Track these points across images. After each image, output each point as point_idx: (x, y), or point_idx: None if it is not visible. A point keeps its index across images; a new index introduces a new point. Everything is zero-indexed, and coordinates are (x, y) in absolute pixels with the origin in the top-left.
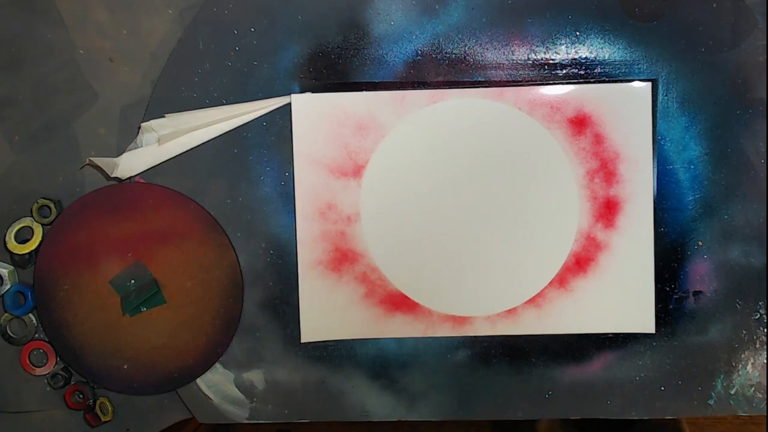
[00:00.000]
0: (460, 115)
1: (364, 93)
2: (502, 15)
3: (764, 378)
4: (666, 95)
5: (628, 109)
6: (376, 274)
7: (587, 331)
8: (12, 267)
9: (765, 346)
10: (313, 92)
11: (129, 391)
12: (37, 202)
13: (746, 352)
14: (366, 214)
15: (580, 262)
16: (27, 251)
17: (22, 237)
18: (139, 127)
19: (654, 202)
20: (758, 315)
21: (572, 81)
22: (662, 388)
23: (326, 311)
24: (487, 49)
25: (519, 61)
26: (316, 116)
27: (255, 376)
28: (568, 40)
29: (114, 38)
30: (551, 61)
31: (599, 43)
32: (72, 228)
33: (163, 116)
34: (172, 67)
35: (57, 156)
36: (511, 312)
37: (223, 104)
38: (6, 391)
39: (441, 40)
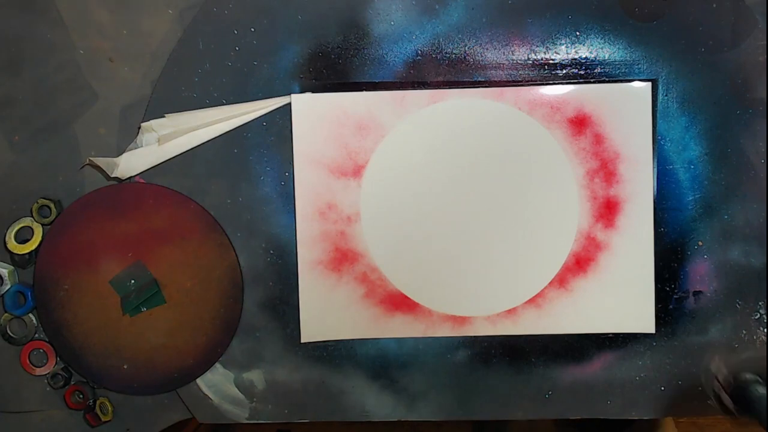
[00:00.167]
0: (460, 115)
1: (364, 93)
2: (502, 15)
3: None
4: (666, 95)
5: (628, 109)
6: (376, 274)
7: (587, 331)
8: (12, 267)
9: (765, 346)
10: (313, 92)
11: (129, 391)
12: (37, 202)
13: (746, 352)
14: (366, 214)
15: (580, 262)
16: (27, 251)
17: (22, 237)
18: (139, 127)
19: (654, 202)
20: (758, 315)
21: (572, 81)
22: (662, 388)
23: (326, 311)
24: (487, 49)
25: (519, 61)
26: (316, 116)
27: (255, 376)
28: (568, 40)
29: (114, 38)
30: (551, 61)
31: (599, 43)
32: (72, 228)
33: (163, 116)
34: (172, 67)
35: (57, 156)
36: (511, 312)
37: (223, 104)
38: (6, 391)
39: (441, 40)
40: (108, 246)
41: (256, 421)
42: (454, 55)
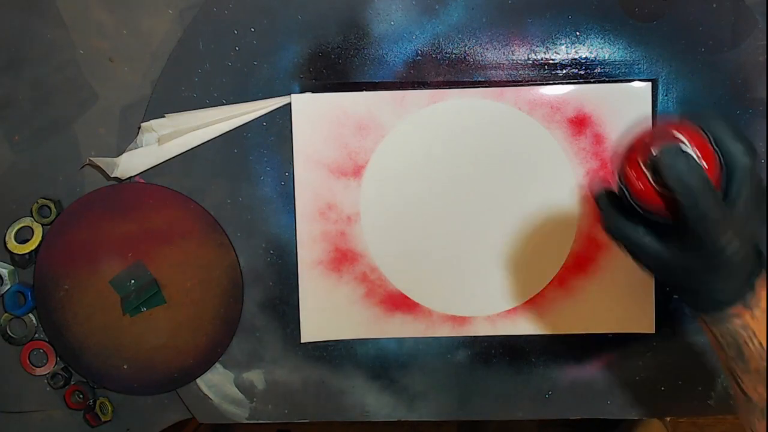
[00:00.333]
0: (460, 115)
1: (364, 93)
2: (502, 15)
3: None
4: (666, 95)
5: (628, 109)
6: (376, 274)
7: (587, 331)
8: (12, 267)
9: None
10: (313, 92)
11: (129, 391)
12: (37, 202)
13: None
14: (366, 214)
15: (580, 262)
16: (27, 251)
17: (22, 237)
18: (139, 127)
19: None
20: None
21: (572, 81)
22: (662, 388)
23: (326, 311)
24: (487, 49)
25: (519, 61)
26: (316, 116)
27: (255, 376)
28: (568, 40)
29: (114, 38)
30: (551, 61)
31: (599, 43)
32: (72, 228)
33: (163, 116)
34: (172, 67)
35: (57, 156)
36: (511, 312)
37: (223, 104)
38: (6, 391)
39: (441, 40)
40: (108, 246)
41: (256, 421)
42: (454, 55)
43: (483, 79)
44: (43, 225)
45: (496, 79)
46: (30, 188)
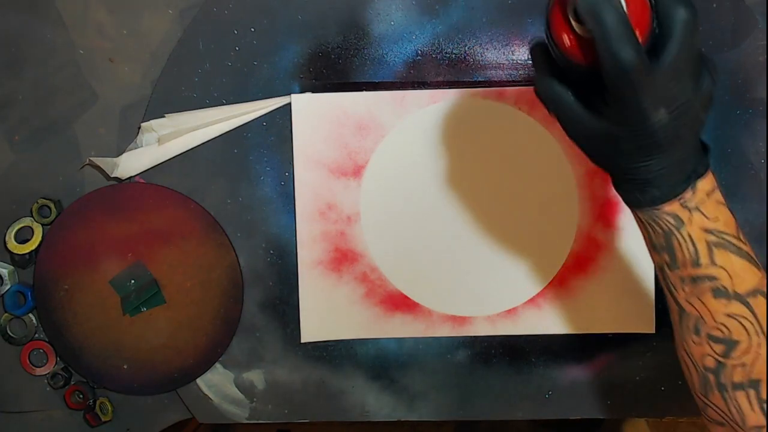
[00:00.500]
0: (460, 115)
1: (364, 93)
2: (502, 15)
3: None
4: None
5: None
6: (376, 274)
7: (587, 331)
8: (12, 267)
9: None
10: (313, 92)
11: (129, 391)
12: (37, 202)
13: None
14: (366, 214)
15: (580, 262)
16: (27, 251)
17: (22, 237)
18: (139, 127)
19: None
20: None
21: None
22: (662, 388)
23: (326, 311)
24: (487, 49)
25: (519, 61)
26: (316, 116)
27: (255, 376)
28: None
29: (114, 38)
30: None
31: None
32: (72, 228)
33: (163, 116)
34: (172, 67)
35: (57, 156)
36: (511, 312)
37: (223, 104)
38: (6, 391)
39: (441, 40)
40: (108, 246)
41: (256, 421)
42: (454, 55)
43: (483, 79)
44: (43, 225)
45: (496, 79)
46: (30, 188)
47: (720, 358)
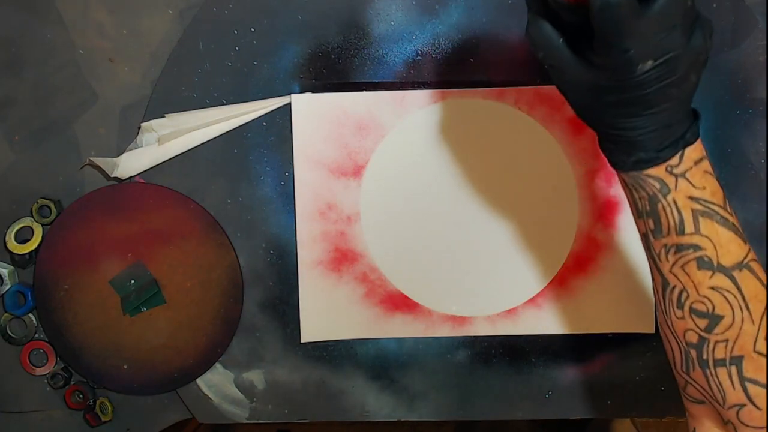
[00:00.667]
0: (460, 115)
1: (364, 93)
2: (502, 15)
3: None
4: None
5: None
6: (376, 274)
7: (587, 331)
8: (12, 267)
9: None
10: (313, 92)
11: (129, 391)
12: (37, 202)
13: None
14: (366, 214)
15: (580, 262)
16: (27, 251)
17: (22, 237)
18: (139, 127)
19: None
20: None
21: None
22: (662, 388)
23: (326, 311)
24: (487, 49)
25: (519, 61)
26: (316, 116)
27: (255, 376)
28: None
29: (114, 38)
30: None
31: None
32: (72, 228)
33: (163, 116)
34: (172, 67)
35: (57, 156)
36: (511, 312)
37: (223, 104)
38: (6, 391)
39: (441, 40)
40: (108, 246)
41: (256, 421)
42: (454, 55)
43: (483, 79)
44: (43, 225)
45: (496, 79)
46: (30, 188)
47: (703, 333)
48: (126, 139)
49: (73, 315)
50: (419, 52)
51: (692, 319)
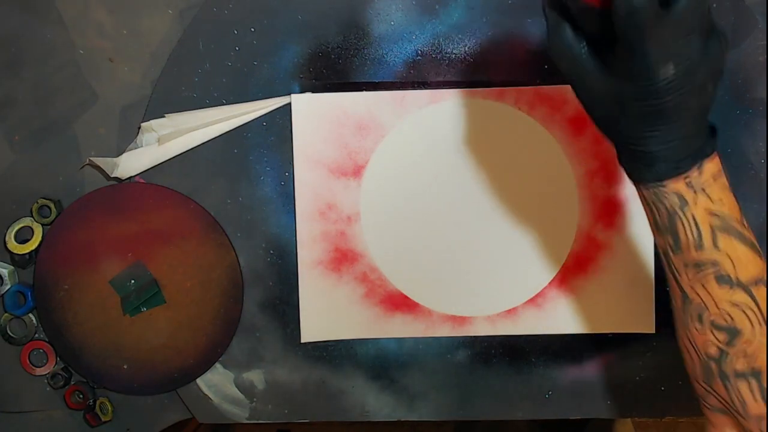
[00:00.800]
0: (460, 115)
1: (364, 93)
2: (502, 15)
3: None
4: None
5: None
6: (376, 274)
7: (587, 331)
8: (12, 267)
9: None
10: (313, 92)
11: (129, 391)
12: (37, 202)
13: None
14: (366, 214)
15: (580, 262)
16: (27, 251)
17: (22, 237)
18: (139, 127)
19: None
20: None
21: None
22: (662, 388)
23: (326, 311)
24: (487, 49)
25: (519, 61)
26: (316, 116)
27: (255, 376)
28: None
29: (114, 38)
30: (551, 61)
31: None
32: (72, 228)
33: (163, 116)
34: (172, 67)
35: (57, 156)
36: (511, 312)
37: (223, 104)
38: (6, 391)
39: (441, 40)
40: (108, 246)
41: (256, 421)
42: (454, 55)
43: (483, 79)
44: (43, 225)
45: (496, 79)
46: (30, 188)
47: (723, 347)
48: (126, 139)
49: (73, 315)
50: (419, 52)
51: (712, 333)
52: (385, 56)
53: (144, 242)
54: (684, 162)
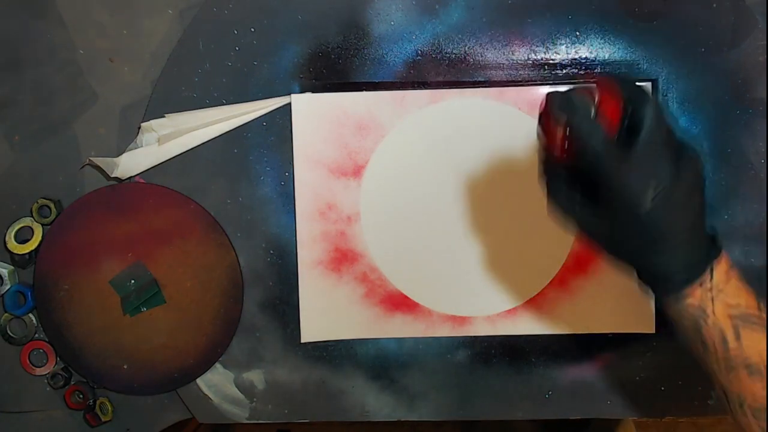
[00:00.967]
0: (460, 115)
1: (364, 93)
2: (502, 15)
3: None
4: (666, 95)
5: None
6: (376, 274)
7: (587, 331)
8: (12, 267)
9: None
10: (313, 92)
11: (129, 391)
12: (37, 202)
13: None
14: (366, 214)
15: (580, 262)
16: (27, 251)
17: (22, 237)
18: (139, 127)
19: None
20: None
21: (572, 81)
22: (662, 388)
23: (326, 311)
24: (487, 49)
25: (519, 61)
26: (316, 116)
27: (255, 376)
28: (568, 40)
29: (114, 38)
30: (551, 61)
31: (599, 43)
32: (72, 228)
33: (163, 116)
34: (172, 67)
35: (57, 156)
36: (511, 312)
37: (223, 104)
38: (6, 391)
39: (441, 40)
40: (108, 246)
41: (256, 421)
42: (454, 55)
43: (483, 79)
44: (43, 225)
45: (496, 79)
46: (30, 188)
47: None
48: (126, 139)
49: (73, 315)
50: (419, 52)
51: (755, 419)
52: (385, 56)
53: (144, 242)
54: (694, 271)
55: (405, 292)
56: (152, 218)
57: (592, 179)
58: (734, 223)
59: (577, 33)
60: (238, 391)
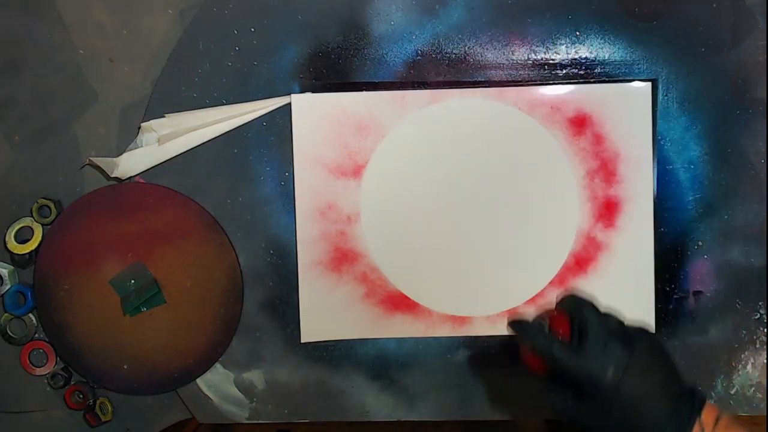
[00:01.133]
0: (460, 115)
1: (364, 93)
2: (502, 15)
3: (764, 378)
4: (666, 95)
5: (628, 109)
6: (376, 274)
7: None
8: (12, 267)
9: (765, 346)
10: (313, 92)
11: (129, 391)
12: (37, 202)
13: (746, 352)
14: (366, 214)
15: (580, 262)
16: (27, 251)
17: (22, 237)
18: (139, 127)
19: (654, 202)
20: (758, 315)
21: (572, 81)
22: None
23: (326, 311)
24: (487, 49)
25: (519, 61)
26: (316, 116)
27: (255, 376)
28: (568, 40)
29: (114, 38)
30: (551, 61)
31: (599, 43)
32: (72, 228)
33: (163, 116)
34: (172, 67)
35: (57, 156)
36: (511, 312)
37: (223, 104)
38: (6, 391)
39: (441, 40)
40: (108, 246)
41: (256, 421)
42: (454, 55)
43: (483, 79)
44: (43, 225)
45: (496, 79)
46: (30, 188)
47: None
48: (126, 139)
49: (73, 315)
50: (419, 52)
51: None
52: (385, 56)
53: (144, 242)
54: (683, 425)
55: (405, 292)
56: (152, 218)
57: (570, 379)
58: (734, 223)
59: (577, 33)
60: (238, 391)
